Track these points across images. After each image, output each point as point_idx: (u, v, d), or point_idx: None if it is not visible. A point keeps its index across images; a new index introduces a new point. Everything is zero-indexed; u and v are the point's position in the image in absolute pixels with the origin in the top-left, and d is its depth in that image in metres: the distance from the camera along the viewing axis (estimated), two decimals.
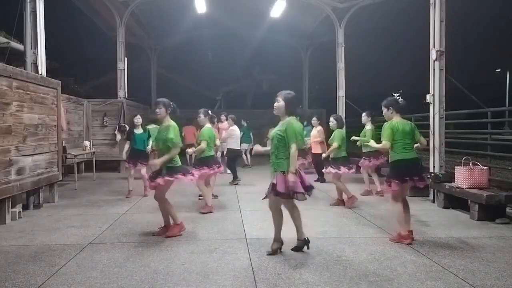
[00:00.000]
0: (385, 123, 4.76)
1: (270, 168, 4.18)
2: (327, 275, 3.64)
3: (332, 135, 6.84)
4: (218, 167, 6.58)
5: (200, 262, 3.98)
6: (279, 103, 4.17)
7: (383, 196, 7.58)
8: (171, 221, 4.96)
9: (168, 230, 4.90)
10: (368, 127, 8.00)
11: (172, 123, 4.86)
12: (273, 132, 4.18)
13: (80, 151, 9.82)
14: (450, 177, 6.65)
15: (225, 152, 9.90)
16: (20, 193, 5.99)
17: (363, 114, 8.16)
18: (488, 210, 5.64)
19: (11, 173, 5.66)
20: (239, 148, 9.91)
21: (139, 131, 7.74)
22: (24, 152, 6.04)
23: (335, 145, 6.67)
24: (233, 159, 9.51)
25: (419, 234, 4.96)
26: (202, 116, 6.63)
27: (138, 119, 7.81)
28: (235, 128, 9.49)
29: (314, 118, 9.53)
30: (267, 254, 4.17)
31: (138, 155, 7.53)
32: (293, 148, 3.97)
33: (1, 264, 3.94)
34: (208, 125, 6.65)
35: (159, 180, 4.68)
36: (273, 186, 4.03)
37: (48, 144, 6.84)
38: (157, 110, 4.81)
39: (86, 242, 4.65)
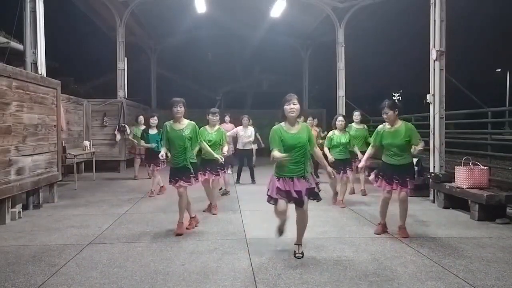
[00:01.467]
0: (408, 125, 4.75)
1: (297, 173, 3.97)
2: (327, 275, 3.63)
3: (347, 136, 6.75)
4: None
5: (200, 262, 3.98)
6: (297, 105, 4.00)
7: (366, 195, 7.69)
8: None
9: (190, 224, 5.23)
10: (360, 126, 7.99)
11: (192, 122, 5.11)
12: (302, 137, 4.00)
13: (80, 151, 9.81)
14: (450, 177, 6.65)
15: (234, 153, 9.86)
16: (20, 193, 5.98)
17: (357, 113, 8.10)
18: (488, 210, 5.64)
19: (11, 173, 5.66)
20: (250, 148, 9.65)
21: (153, 131, 7.79)
22: (24, 152, 6.04)
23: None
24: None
25: (419, 234, 4.97)
26: (218, 116, 6.31)
27: (154, 120, 7.87)
28: (252, 128, 9.39)
29: (311, 118, 9.51)
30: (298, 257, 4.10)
31: (155, 156, 7.29)
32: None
33: (0, 265, 3.93)
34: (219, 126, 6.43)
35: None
36: (311, 189, 4.06)
37: (48, 144, 6.84)
38: (178, 109, 4.91)
39: (86, 242, 4.65)
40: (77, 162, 9.23)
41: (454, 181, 6.45)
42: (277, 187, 3.95)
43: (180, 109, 4.90)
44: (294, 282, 3.48)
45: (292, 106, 3.99)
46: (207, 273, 3.67)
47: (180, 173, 4.92)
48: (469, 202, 6.01)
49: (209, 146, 6.03)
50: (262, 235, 4.86)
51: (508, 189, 6.33)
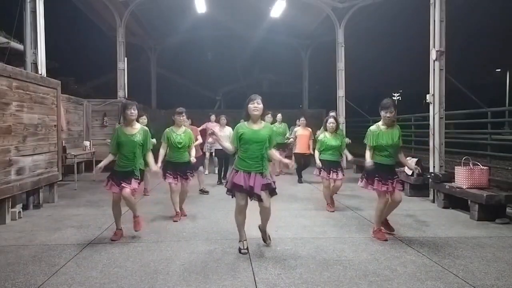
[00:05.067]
0: (397, 125, 4.86)
1: (255, 168, 4.15)
2: (327, 275, 3.64)
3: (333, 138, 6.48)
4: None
5: (200, 262, 3.98)
6: (260, 105, 4.21)
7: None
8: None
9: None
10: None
11: (145, 127, 5.02)
12: (262, 134, 4.20)
13: (80, 151, 9.81)
14: (450, 177, 6.66)
15: (213, 153, 9.89)
16: (20, 193, 5.99)
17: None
18: (488, 210, 5.64)
19: (11, 173, 5.66)
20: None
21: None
22: (24, 152, 6.04)
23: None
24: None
25: (419, 234, 4.97)
26: (185, 116, 5.97)
27: (144, 120, 7.79)
28: (229, 128, 9.40)
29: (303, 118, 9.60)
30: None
31: None
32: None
33: (1, 264, 3.94)
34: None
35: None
36: (268, 184, 4.19)
37: (48, 144, 6.84)
38: (132, 111, 4.70)
39: (86, 242, 4.65)
40: (77, 162, 9.23)
41: (454, 181, 6.45)
42: (233, 182, 4.15)
43: (134, 112, 4.69)
44: (294, 282, 3.48)
45: (256, 105, 4.20)
46: (207, 273, 3.68)
47: (124, 177, 4.64)
48: (469, 202, 6.01)
49: (179, 148, 5.73)
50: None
51: (508, 189, 6.34)
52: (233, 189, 4.20)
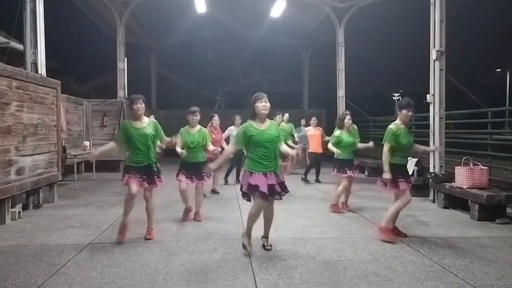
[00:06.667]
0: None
1: (270, 168, 4.09)
2: (327, 275, 3.63)
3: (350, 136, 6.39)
4: None
5: (200, 262, 3.98)
6: (268, 103, 4.14)
7: None
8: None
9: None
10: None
11: (153, 120, 5.07)
12: (271, 134, 4.14)
13: (80, 151, 9.81)
14: (450, 177, 6.66)
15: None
16: (20, 193, 5.98)
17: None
18: (488, 210, 5.64)
19: (10, 173, 5.66)
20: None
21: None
22: (24, 152, 6.03)
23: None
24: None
25: (419, 234, 4.97)
26: (199, 116, 5.86)
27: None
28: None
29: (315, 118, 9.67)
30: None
31: None
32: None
33: (1, 264, 3.94)
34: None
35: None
36: (282, 183, 4.16)
37: (48, 144, 6.84)
38: (138, 106, 4.74)
39: (86, 242, 4.65)
40: (77, 162, 9.22)
41: (454, 181, 6.45)
42: (249, 183, 4.05)
43: (141, 106, 4.67)
44: (294, 282, 3.48)
45: (265, 104, 4.11)
46: (207, 273, 3.67)
47: (144, 173, 4.67)
48: (469, 202, 6.01)
49: (192, 148, 5.63)
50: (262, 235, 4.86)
51: (508, 189, 6.33)
52: (251, 191, 4.06)
